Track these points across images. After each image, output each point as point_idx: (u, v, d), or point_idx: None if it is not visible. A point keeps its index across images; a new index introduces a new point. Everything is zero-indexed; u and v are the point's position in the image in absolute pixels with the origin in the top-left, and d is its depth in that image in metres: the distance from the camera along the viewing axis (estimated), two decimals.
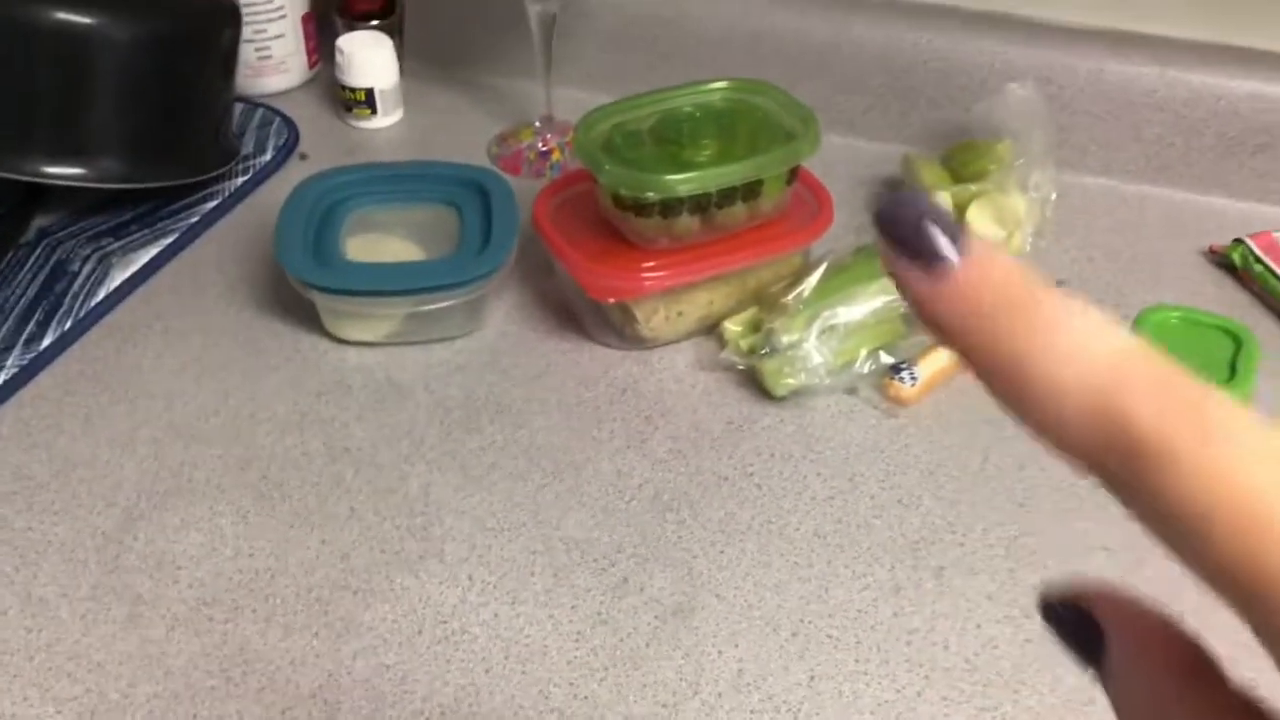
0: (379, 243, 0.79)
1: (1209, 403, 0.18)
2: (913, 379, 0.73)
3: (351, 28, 1.00)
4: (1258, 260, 0.82)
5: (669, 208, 0.73)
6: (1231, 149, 0.89)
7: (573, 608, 0.62)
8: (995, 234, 0.79)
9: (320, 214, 0.79)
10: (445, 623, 0.61)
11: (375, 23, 1.01)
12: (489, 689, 0.58)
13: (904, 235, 0.21)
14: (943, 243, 0.20)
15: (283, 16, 0.99)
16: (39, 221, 0.86)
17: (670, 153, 0.75)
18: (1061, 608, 0.24)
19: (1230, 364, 0.67)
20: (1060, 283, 0.82)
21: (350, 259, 0.77)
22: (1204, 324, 0.70)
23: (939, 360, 0.75)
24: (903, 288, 0.21)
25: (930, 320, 0.21)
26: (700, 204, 0.74)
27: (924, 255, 0.20)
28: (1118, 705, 0.22)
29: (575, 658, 0.60)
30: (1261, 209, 0.90)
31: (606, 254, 0.76)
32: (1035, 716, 0.57)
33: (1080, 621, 0.24)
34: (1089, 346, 0.19)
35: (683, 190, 0.72)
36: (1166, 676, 0.20)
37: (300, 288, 0.74)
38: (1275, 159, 0.89)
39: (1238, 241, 0.84)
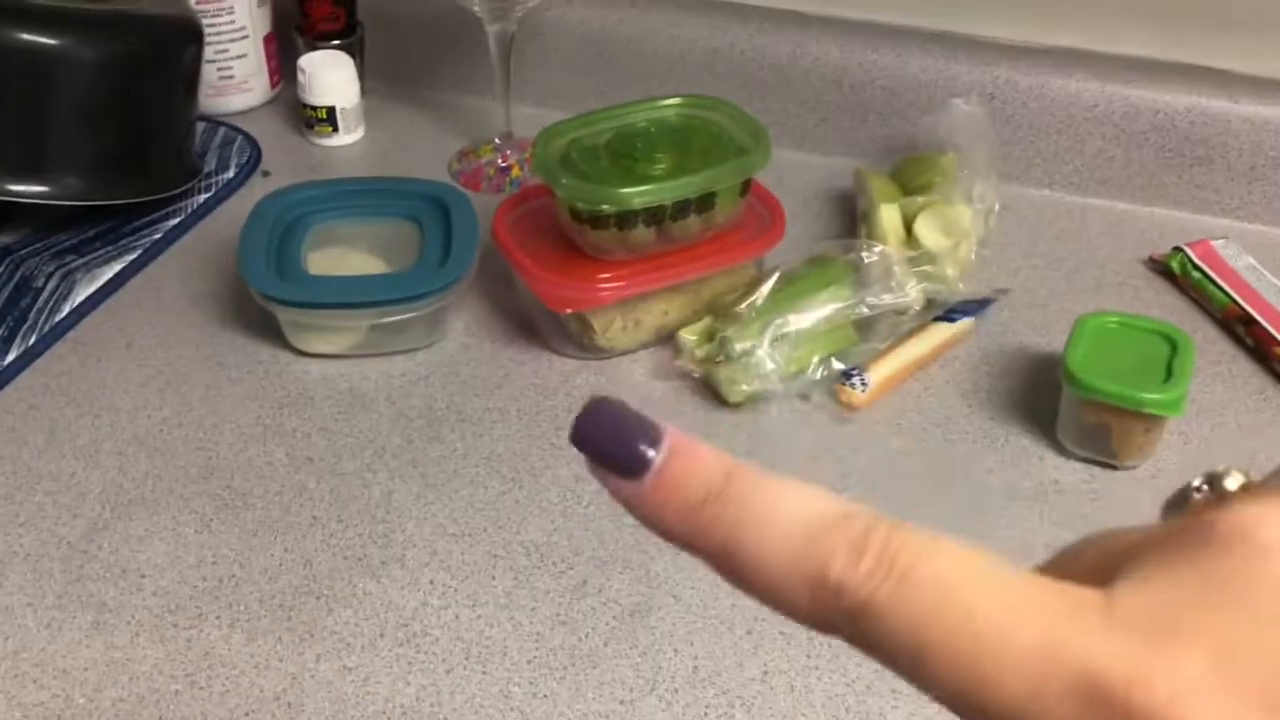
0: (341, 257, 0.81)
1: (893, 545, 0.19)
2: (864, 384, 0.75)
3: (313, 47, 1.01)
4: (1195, 268, 0.85)
5: (624, 220, 0.75)
6: (1170, 162, 0.92)
7: (532, 609, 0.63)
8: (942, 244, 0.81)
9: (282, 229, 0.81)
10: (407, 625, 0.62)
11: (336, 42, 1.02)
12: (450, 689, 0.59)
13: (602, 446, 0.22)
14: (640, 445, 0.22)
15: (245, 37, 1.01)
16: (2, 239, 0.86)
17: (626, 167, 0.77)
18: None
19: (1166, 366, 0.70)
20: (1003, 291, 0.84)
21: (312, 273, 0.79)
22: (1141, 328, 0.72)
23: (889, 367, 0.77)
24: (615, 499, 0.22)
25: (646, 521, 0.22)
26: (655, 216, 0.76)
27: (625, 461, 0.21)
28: None
29: (535, 657, 0.61)
30: (1199, 219, 0.93)
31: (564, 266, 0.77)
32: None
33: None
34: (790, 524, 0.20)
35: (638, 203, 0.74)
36: None
37: (263, 301, 0.76)
38: (1212, 171, 0.92)
39: (1176, 250, 0.87)
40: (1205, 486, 0.22)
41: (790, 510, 0.21)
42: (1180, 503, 0.22)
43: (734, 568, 0.21)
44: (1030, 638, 0.18)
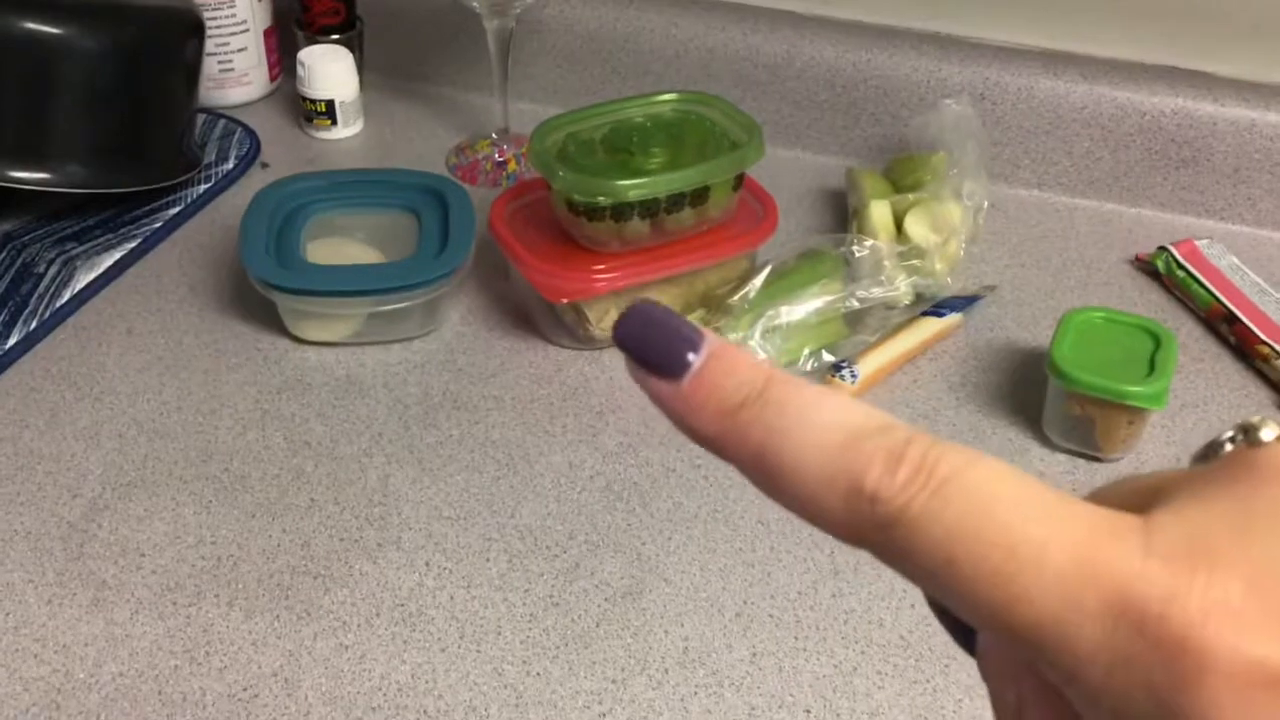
0: (339, 246, 0.82)
1: (931, 457, 0.19)
2: (853, 376, 0.76)
3: (313, 41, 1.02)
4: (1180, 266, 0.86)
5: (620, 212, 0.76)
6: (1156, 163, 0.94)
7: (526, 591, 0.65)
8: (931, 240, 0.82)
9: (282, 218, 0.82)
10: (403, 605, 0.63)
11: (336, 37, 1.03)
12: (445, 667, 0.60)
13: (643, 346, 0.22)
14: (681, 346, 0.22)
15: (245, 30, 1.02)
16: (4, 226, 0.87)
17: (621, 160, 0.78)
18: None
19: (1150, 360, 0.71)
20: (991, 288, 0.86)
21: (311, 262, 0.80)
22: (1126, 324, 0.74)
23: (878, 360, 0.78)
24: (654, 400, 0.22)
25: (682, 423, 0.22)
26: (650, 209, 0.77)
27: (666, 361, 0.21)
28: (989, 688, 0.24)
29: (529, 637, 0.62)
30: (1184, 219, 0.94)
31: (560, 257, 0.78)
32: (964, 689, 0.60)
33: None
34: (827, 432, 0.20)
35: (633, 195, 0.75)
36: (1025, 672, 0.22)
37: (263, 288, 0.77)
38: (1197, 172, 0.93)
39: (1162, 249, 0.88)
40: (1239, 436, 0.21)
41: (829, 417, 0.20)
42: (1211, 452, 0.22)
43: (767, 472, 0.21)
44: (1065, 555, 0.18)
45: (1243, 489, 0.19)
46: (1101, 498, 0.22)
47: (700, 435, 0.21)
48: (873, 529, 0.20)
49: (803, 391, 0.21)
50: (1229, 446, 0.21)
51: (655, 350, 0.22)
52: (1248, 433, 0.21)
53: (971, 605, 0.19)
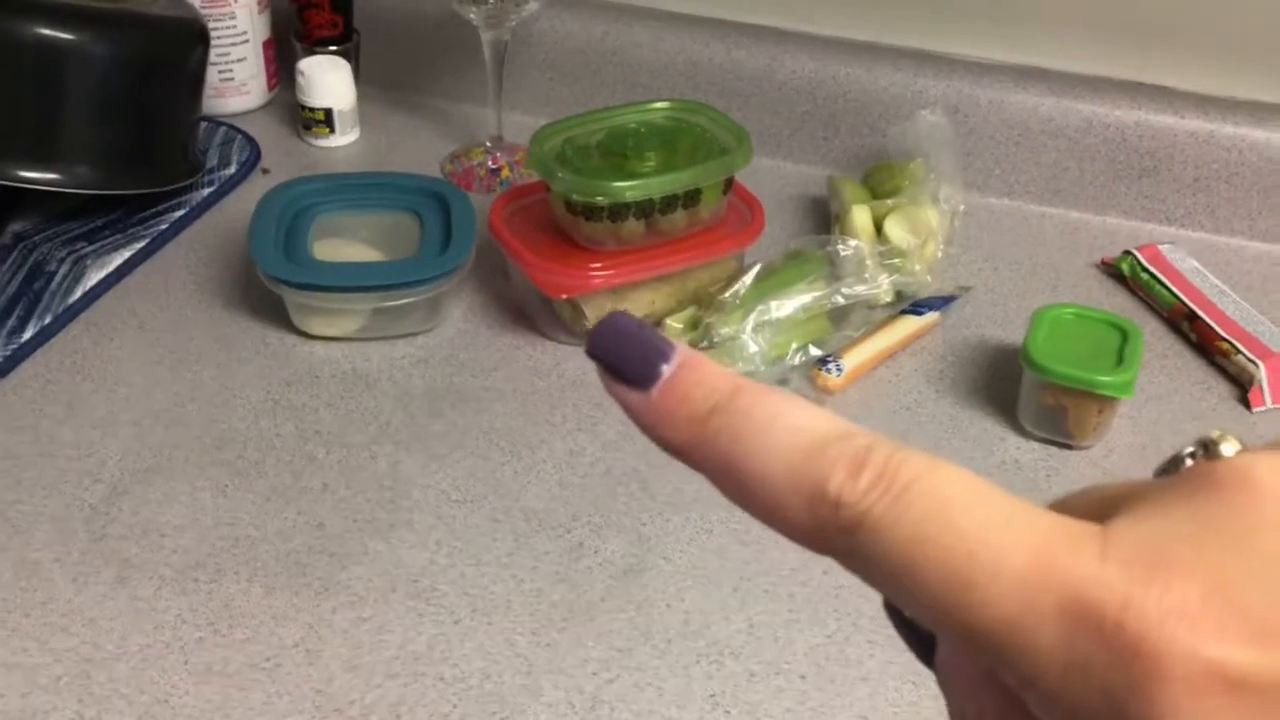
0: (344, 246, 0.85)
1: (893, 463, 0.20)
2: (838, 370, 0.80)
3: (311, 52, 1.06)
4: (1144, 269, 0.91)
5: (616, 212, 0.80)
6: (1120, 173, 0.99)
7: (533, 569, 0.68)
8: (910, 242, 0.87)
9: (289, 219, 0.85)
10: (416, 581, 0.67)
11: (333, 48, 1.07)
12: (459, 638, 0.64)
13: (615, 356, 0.22)
14: (652, 357, 0.22)
15: (245, 41, 1.05)
16: (15, 226, 0.90)
17: (616, 164, 0.82)
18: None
19: (1118, 353, 0.75)
20: (966, 289, 0.90)
21: (319, 259, 0.83)
22: (1095, 319, 0.78)
23: (861, 355, 0.82)
24: (626, 410, 0.22)
25: (653, 432, 0.22)
26: (645, 210, 0.81)
27: (638, 371, 0.22)
28: (947, 698, 0.24)
29: (537, 610, 0.65)
30: (1147, 226, 0.99)
31: (558, 255, 0.82)
32: None
33: (915, 620, 0.25)
34: (792, 438, 0.20)
35: (630, 196, 0.79)
36: (984, 682, 0.22)
37: (271, 284, 0.80)
38: (1159, 182, 0.98)
39: (1127, 253, 0.93)
40: (1199, 451, 0.22)
41: (794, 424, 0.21)
42: (1172, 466, 0.22)
43: (735, 479, 0.21)
44: (1023, 560, 0.18)
45: (1201, 499, 0.19)
46: (1063, 507, 0.22)
47: (670, 444, 0.22)
48: (836, 534, 0.20)
49: (769, 400, 0.21)
50: (1189, 461, 0.21)
51: (627, 361, 0.22)
52: (1208, 448, 0.21)
53: (931, 609, 0.19)
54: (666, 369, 0.22)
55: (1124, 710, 0.17)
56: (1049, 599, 0.18)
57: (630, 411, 0.22)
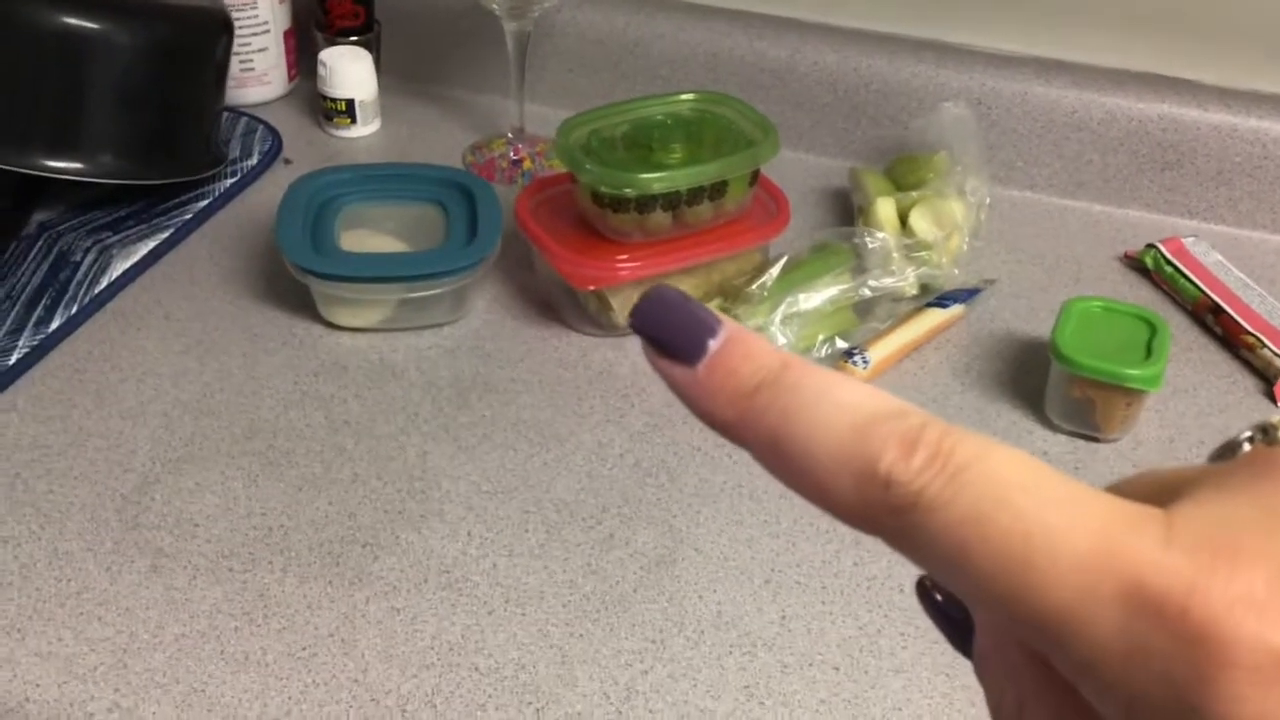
0: (370, 237, 0.85)
1: (947, 443, 0.19)
2: (865, 362, 0.80)
3: (332, 43, 1.05)
4: (1168, 263, 0.91)
5: (644, 204, 0.80)
6: (1143, 166, 0.99)
7: (565, 560, 0.68)
8: (935, 235, 0.87)
9: (315, 209, 0.85)
10: (448, 572, 0.67)
11: (354, 39, 1.07)
12: (493, 628, 0.64)
13: (661, 330, 0.21)
14: (699, 330, 0.21)
15: (267, 31, 1.05)
16: (39, 216, 0.90)
17: (642, 155, 0.82)
18: (935, 592, 0.25)
19: (1147, 346, 0.76)
20: (990, 281, 0.90)
21: (346, 250, 0.83)
22: (1123, 312, 0.78)
23: (887, 347, 0.82)
24: (670, 385, 0.22)
25: (698, 407, 0.21)
26: (672, 201, 0.81)
27: (684, 345, 0.21)
28: (985, 688, 0.23)
29: (570, 601, 0.65)
30: (1169, 219, 0.99)
31: (584, 247, 0.82)
32: None
33: (949, 607, 0.25)
34: (841, 415, 0.20)
35: (657, 188, 0.79)
36: (1025, 670, 0.21)
37: (299, 274, 0.80)
38: (1181, 175, 0.98)
39: (1150, 247, 0.93)
40: (1258, 435, 0.21)
41: (843, 401, 0.20)
42: (1228, 452, 0.22)
43: (781, 456, 0.20)
44: (1084, 544, 0.18)
45: (1265, 485, 0.18)
46: (1120, 490, 0.21)
47: (716, 420, 0.21)
48: (886, 514, 0.19)
49: (817, 376, 0.20)
50: (1247, 446, 0.21)
51: (674, 335, 0.21)
52: (1266, 433, 0.21)
53: (985, 593, 0.18)
54: (713, 343, 0.21)
55: (1187, 698, 0.17)
56: (1110, 584, 0.17)
57: (675, 386, 0.22)
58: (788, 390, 0.20)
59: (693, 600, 0.66)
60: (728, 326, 0.21)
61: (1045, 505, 0.18)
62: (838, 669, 0.63)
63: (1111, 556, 0.18)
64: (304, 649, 0.62)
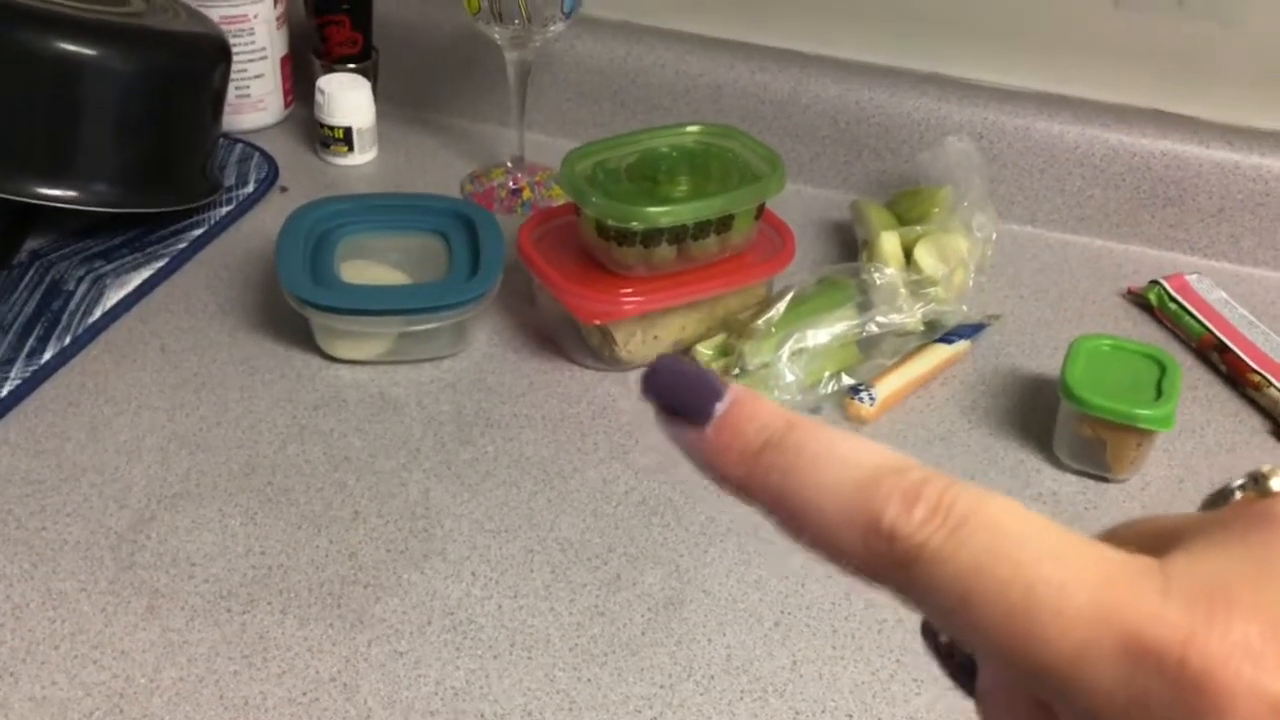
0: (371, 268, 0.84)
1: (948, 496, 0.20)
2: (871, 399, 0.79)
3: (329, 70, 1.04)
4: (1172, 299, 0.91)
5: (649, 237, 0.79)
6: (1144, 202, 0.99)
7: (571, 601, 0.67)
8: (941, 270, 0.86)
9: (315, 240, 0.84)
10: (452, 614, 0.65)
11: (351, 66, 1.06)
12: (498, 673, 0.62)
13: (670, 394, 0.23)
14: (706, 394, 0.22)
15: (264, 57, 1.04)
16: (31, 244, 0.88)
17: (647, 188, 0.81)
18: (940, 634, 0.26)
19: (1157, 386, 0.75)
20: (995, 317, 0.89)
21: (346, 281, 0.82)
22: (1132, 351, 0.78)
23: (893, 384, 0.81)
24: (681, 448, 0.23)
25: (708, 467, 0.22)
26: (677, 235, 0.80)
27: (694, 408, 0.22)
28: None
29: (577, 645, 0.64)
30: (1171, 255, 0.99)
31: (588, 280, 0.81)
32: None
33: (953, 648, 0.26)
34: (845, 471, 0.21)
35: (664, 221, 0.78)
36: (1028, 713, 0.22)
37: (299, 306, 0.78)
38: (1183, 211, 0.98)
39: (1154, 283, 0.93)
40: (1250, 484, 0.22)
41: (847, 458, 0.21)
42: (1220, 499, 0.22)
43: (789, 513, 0.21)
44: (1084, 596, 0.18)
45: (1257, 537, 0.19)
46: (1115, 538, 0.22)
47: (725, 479, 0.22)
48: (891, 567, 0.20)
49: (822, 434, 0.21)
50: (1239, 494, 0.22)
51: (683, 399, 0.22)
52: (1258, 481, 0.22)
53: (988, 643, 0.19)
54: (720, 406, 0.22)
55: None
56: (1110, 636, 0.18)
57: (685, 449, 0.23)
58: (793, 449, 0.21)
59: (702, 644, 0.65)
60: (733, 390, 0.22)
61: (1044, 557, 0.19)
62: (850, 716, 0.62)
63: (1111, 609, 0.18)
64: (304, 694, 0.60)
